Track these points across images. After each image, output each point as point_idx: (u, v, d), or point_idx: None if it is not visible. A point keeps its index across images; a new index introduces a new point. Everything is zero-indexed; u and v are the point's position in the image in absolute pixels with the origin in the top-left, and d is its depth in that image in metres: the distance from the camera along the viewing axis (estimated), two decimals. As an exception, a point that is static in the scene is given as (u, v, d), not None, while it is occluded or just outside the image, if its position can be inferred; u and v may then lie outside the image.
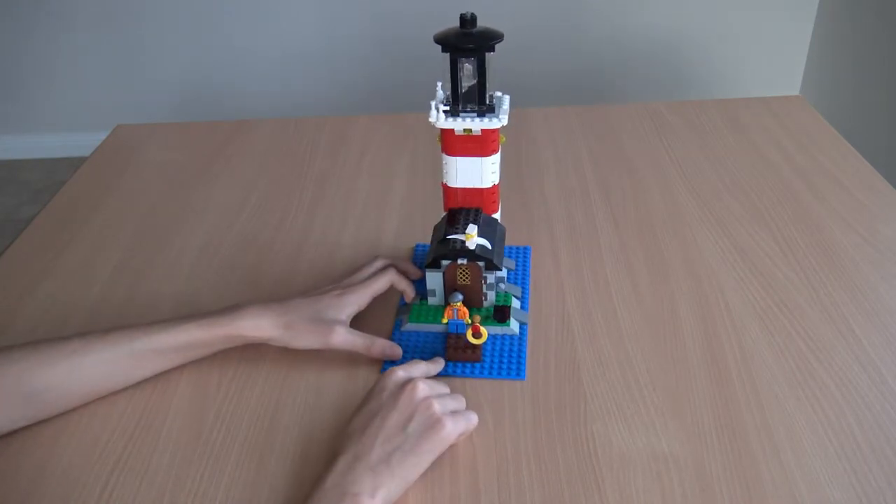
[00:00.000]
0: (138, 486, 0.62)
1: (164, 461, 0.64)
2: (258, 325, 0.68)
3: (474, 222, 0.73)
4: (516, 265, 0.84)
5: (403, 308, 0.79)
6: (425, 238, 0.87)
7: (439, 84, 0.73)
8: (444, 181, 0.76)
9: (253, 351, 0.74)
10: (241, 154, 1.13)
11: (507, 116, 0.71)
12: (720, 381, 0.69)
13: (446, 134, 0.72)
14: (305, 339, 0.69)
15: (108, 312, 0.81)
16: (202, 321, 0.68)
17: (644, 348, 0.73)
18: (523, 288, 0.81)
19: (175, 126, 1.25)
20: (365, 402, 0.62)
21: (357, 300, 0.73)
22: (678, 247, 0.87)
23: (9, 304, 0.83)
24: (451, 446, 0.62)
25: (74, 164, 1.19)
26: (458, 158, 0.73)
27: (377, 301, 0.76)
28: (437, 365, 0.70)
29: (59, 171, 2.61)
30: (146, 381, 0.71)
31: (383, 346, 0.70)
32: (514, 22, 1.24)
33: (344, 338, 0.69)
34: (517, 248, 0.87)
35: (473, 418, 0.63)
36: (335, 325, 0.69)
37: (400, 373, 0.63)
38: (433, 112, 0.71)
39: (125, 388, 0.70)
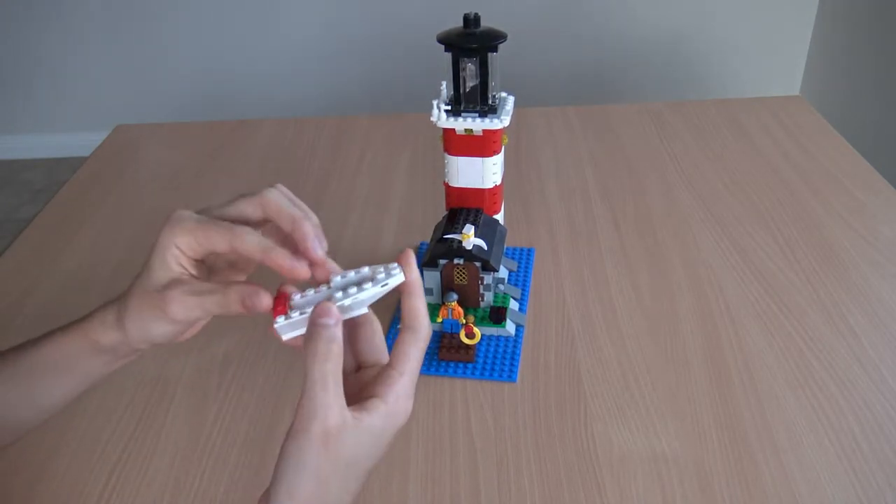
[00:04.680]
0: (138, 486, 0.62)
1: (164, 461, 0.64)
2: (104, 321, 0.48)
3: (474, 223, 0.73)
4: (519, 266, 0.84)
5: None
6: (425, 238, 0.86)
7: (444, 83, 0.72)
8: (446, 180, 0.76)
9: (253, 350, 0.74)
10: (241, 154, 1.13)
11: (509, 118, 0.70)
12: (720, 381, 0.69)
13: (448, 133, 0.72)
14: (144, 324, 0.46)
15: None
16: (67, 328, 0.50)
17: (644, 348, 0.73)
18: (524, 290, 0.81)
19: (175, 126, 1.25)
20: None
21: (192, 233, 0.47)
22: (678, 247, 0.87)
23: (9, 304, 0.83)
24: (452, 446, 0.63)
25: (74, 164, 1.19)
26: (460, 158, 0.73)
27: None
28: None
29: (59, 171, 2.60)
30: (146, 380, 0.71)
31: (241, 292, 0.43)
32: (514, 22, 1.24)
33: (181, 302, 0.44)
34: (521, 249, 0.87)
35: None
36: (170, 287, 0.44)
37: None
38: (435, 111, 0.71)
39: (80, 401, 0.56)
